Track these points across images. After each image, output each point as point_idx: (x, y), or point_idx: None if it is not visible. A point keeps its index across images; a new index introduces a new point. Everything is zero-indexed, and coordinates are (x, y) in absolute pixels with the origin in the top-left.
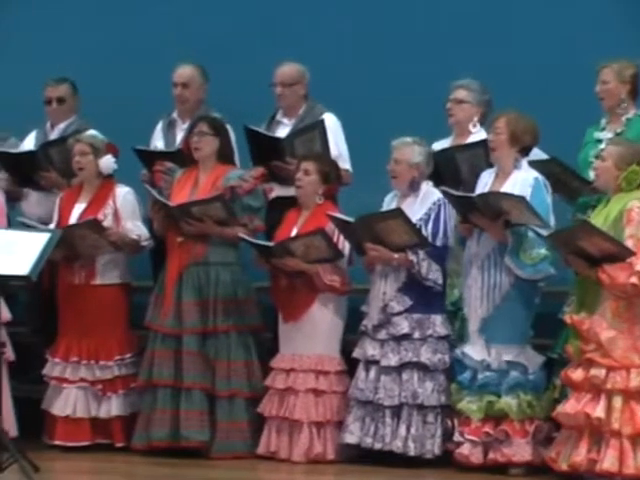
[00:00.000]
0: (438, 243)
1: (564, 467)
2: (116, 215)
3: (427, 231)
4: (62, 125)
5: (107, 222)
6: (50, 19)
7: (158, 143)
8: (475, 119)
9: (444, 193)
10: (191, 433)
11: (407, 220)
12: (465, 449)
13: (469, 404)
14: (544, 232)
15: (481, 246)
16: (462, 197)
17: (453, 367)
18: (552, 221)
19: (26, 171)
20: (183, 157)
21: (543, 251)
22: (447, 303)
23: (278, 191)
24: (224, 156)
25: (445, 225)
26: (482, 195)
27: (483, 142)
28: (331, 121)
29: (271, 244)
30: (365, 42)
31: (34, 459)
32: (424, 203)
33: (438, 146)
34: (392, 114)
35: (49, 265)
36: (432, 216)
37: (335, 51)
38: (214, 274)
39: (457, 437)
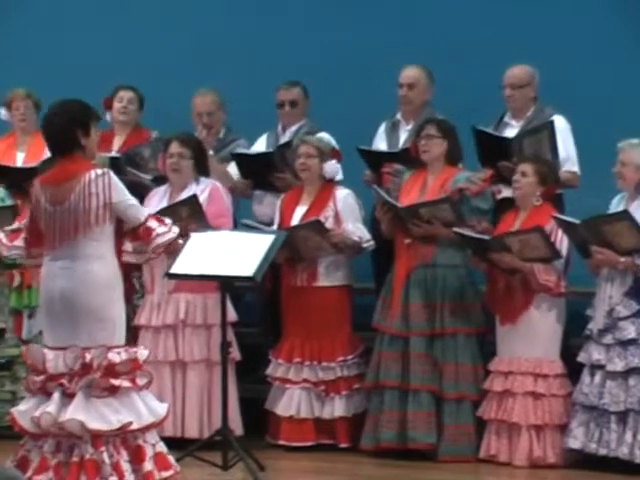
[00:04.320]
0: None
1: None
2: (337, 217)
3: None
4: (293, 128)
5: (328, 224)
6: (282, 25)
7: (380, 144)
8: None
9: None
10: (418, 435)
11: (634, 223)
12: None
13: None
14: None
15: None
16: None
17: None
18: None
19: (261, 173)
20: (406, 157)
21: None
22: None
23: (506, 192)
24: (452, 158)
25: None
26: None
27: None
28: (561, 123)
29: (486, 237)
30: (597, 43)
31: (258, 458)
32: None
33: None
34: (623, 116)
35: (271, 267)
36: None
37: (564, 52)
38: (441, 276)
39: None
